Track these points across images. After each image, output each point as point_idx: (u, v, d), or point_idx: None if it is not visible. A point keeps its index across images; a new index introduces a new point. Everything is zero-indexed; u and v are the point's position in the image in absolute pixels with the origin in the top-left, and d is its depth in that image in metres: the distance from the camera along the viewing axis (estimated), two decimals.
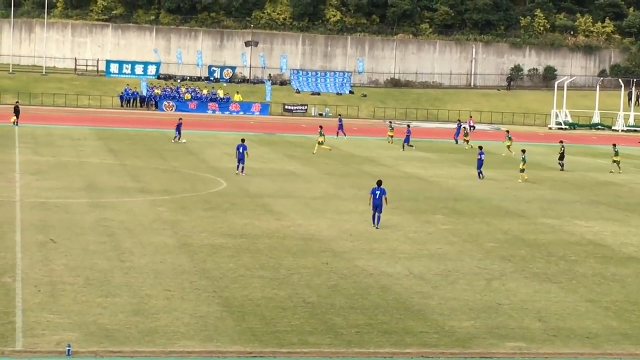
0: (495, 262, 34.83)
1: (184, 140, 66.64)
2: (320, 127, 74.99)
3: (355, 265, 33.21)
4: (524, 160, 60.67)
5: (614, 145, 70.57)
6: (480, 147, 63.88)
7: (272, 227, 39.86)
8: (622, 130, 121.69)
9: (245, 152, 56.95)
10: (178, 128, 76.78)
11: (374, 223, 40.44)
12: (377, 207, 40.29)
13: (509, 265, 34.50)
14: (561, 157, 69.13)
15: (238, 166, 57.18)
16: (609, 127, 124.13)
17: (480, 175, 60.74)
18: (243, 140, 58.51)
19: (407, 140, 78.73)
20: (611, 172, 67.78)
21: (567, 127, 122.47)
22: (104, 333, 23.95)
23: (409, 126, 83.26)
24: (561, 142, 72.23)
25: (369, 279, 31.22)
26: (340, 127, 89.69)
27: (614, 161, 68.90)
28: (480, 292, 29.99)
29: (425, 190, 54.33)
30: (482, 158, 61.09)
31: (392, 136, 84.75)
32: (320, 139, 72.92)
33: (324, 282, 30.36)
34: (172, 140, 75.57)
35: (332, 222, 41.93)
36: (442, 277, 31.89)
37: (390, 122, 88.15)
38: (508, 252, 36.85)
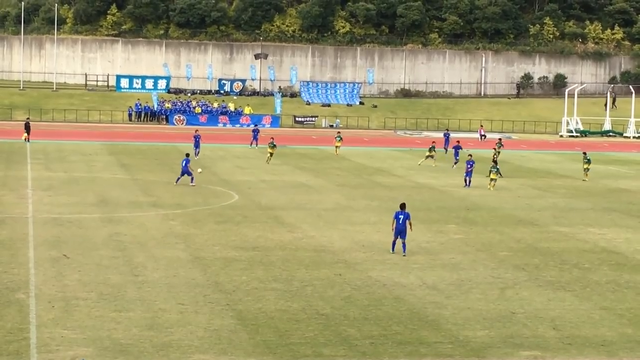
0: (509, 271, 34.76)
1: (199, 170, 61.46)
2: (272, 138, 75.40)
3: (368, 276, 33.18)
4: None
5: (585, 153, 69.06)
6: (470, 155, 63.67)
7: (285, 239, 39.86)
8: (634, 137, 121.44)
9: (188, 165, 57.70)
10: (197, 141, 74.50)
11: (392, 250, 37.42)
12: (400, 232, 37.08)
13: (523, 274, 34.44)
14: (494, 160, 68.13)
15: (178, 179, 57.60)
16: (621, 134, 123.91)
17: (467, 182, 60.77)
18: (187, 155, 59.43)
19: None
20: (584, 180, 66.47)
21: (578, 134, 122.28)
22: (119, 348, 23.96)
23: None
24: (499, 140, 71.37)
25: (382, 289, 31.19)
26: (255, 137, 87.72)
27: (585, 169, 66.97)
28: (494, 302, 29.94)
29: (438, 200, 54.27)
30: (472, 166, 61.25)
31: (338, 147, 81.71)
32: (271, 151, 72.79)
33: (337, 294, 30.34)
34: (196, 157, 72.75)
35: (344, 233, 41.91)
36: (456, 287, 31.84)
37: (339, 132, 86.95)
38: (521, 261, 36.78)
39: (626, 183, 66.29)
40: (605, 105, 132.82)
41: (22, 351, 23.45)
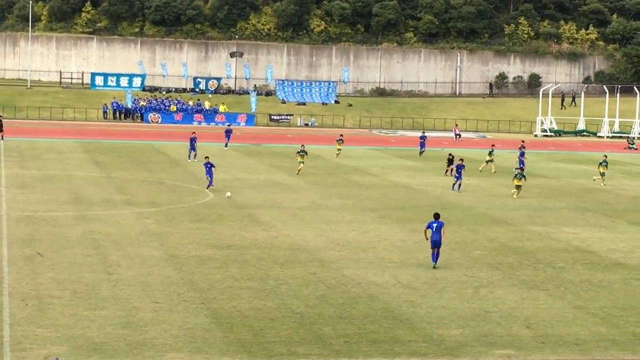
0: (483, 270, 34.86)
1: (228, 194, 52.65)
2: (303, 146, 69.32)
3: (343, 274, 33.20)
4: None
5: (605, 156, 68.23)
6: (461, 160, 62.62)
7: (260, 238, 39.83)
8: (608, 137, 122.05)
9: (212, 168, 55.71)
10: (192, 143, 71.89)
11: (435, 263, 34.96)
12: (435, 242, 34.77)
13: (497, 272, 34.54)
14: (450, 162, 67.20)
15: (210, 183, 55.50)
16: (594, 134, 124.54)
17: (454, 186, 59.64)
18: (207, 158, 57.25)
19: None
20: (595, 179, 66.00)
21: (552, 134, 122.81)
22: (92, 346, 23.88)
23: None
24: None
25: (357, 288, 31.21)
26: (228, 136, 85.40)
27: (601, 173, 65.74)
28: (468, 300, 30.01)
29: (413, 199, 54.35)
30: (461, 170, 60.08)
31: (340, 149, 79.72)
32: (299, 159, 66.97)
33: (312, 292, 30.35)
34: (189, 160, 70.98)
35: (319, 232, 41.92)
36: (430, 286, 31.91)
37: (341, 135, 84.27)
38: (495, 260, 36.89)
39: (600, 182, 66.50)
40: (562, 104, 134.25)
41: None
